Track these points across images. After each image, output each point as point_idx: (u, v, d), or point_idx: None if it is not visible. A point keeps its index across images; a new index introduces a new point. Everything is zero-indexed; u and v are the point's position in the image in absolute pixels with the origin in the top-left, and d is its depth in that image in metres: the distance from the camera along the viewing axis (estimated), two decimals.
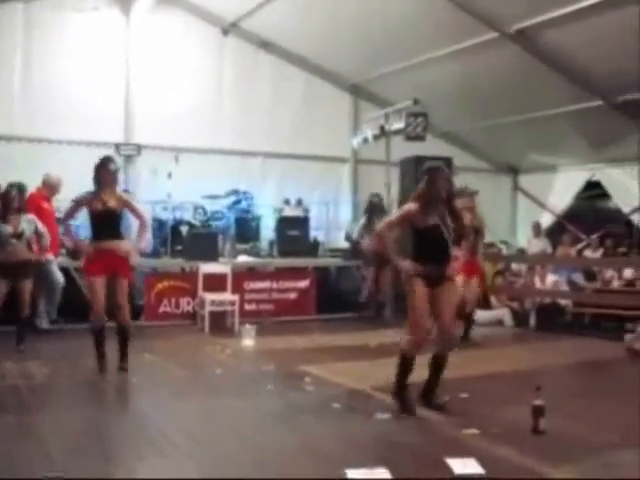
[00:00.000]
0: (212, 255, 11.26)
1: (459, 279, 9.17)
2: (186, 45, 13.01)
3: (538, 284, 12.01)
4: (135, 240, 7.61)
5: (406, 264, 5.84)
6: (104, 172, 7.14)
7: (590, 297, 11.64)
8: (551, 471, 4.52)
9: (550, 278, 11.92)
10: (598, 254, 13.30)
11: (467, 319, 9.65)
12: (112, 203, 7.12)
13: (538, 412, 5.28)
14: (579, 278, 12.31)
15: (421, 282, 5.79)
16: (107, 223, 7.15)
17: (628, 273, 12.00)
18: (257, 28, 13.12)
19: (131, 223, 8.44)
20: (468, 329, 9.69)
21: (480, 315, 10.98)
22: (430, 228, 5.79)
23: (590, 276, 12.34)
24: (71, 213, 7.55)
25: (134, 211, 7.44)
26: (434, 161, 6.23)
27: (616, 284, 11.94)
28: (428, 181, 5.87)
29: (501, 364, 8.19)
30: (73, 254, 10.06)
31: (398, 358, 5.94)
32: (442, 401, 6.02)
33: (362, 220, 12.09)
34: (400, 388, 5.93)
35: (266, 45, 13.49)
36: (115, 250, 7.08)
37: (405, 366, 5.90)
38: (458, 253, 6.08)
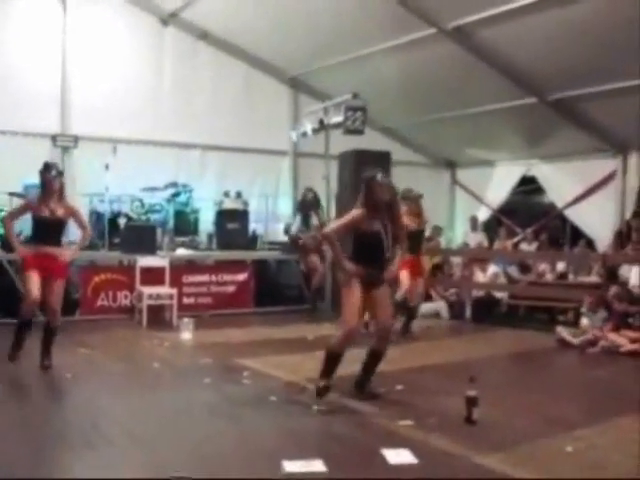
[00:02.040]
0: (150, 248, 11.18)
1: (403, 274, 9.31)
2: (125, 35, 12.84)
3: (479, 276, 12.22)
4: (73, 246, 7.69)
5: (352, 267, 5.95)
6: (47, 179, 7.10)
7: (524, 290, 11.90)
8: (481, 458, 4.64)
9: (491, 269, 12.13)
10: (533, 247, 13.58)
11: (410, 312, 9.76)
12: (60, 212, 7.15)
13: (471, 402, 5.41)
14: (514, 271, 12.56)
15: (358, 284, 5.94)
16: (51, 231, 7.16)
17: (561, 266, 12.31)
18: (197, 19, 13.02)
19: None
20: (409, 322, 9.75)
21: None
22: (373, 234, 5.94)
23: (525, 269, 12.60)
24: (17, 215, 7.52)
25: (80, 222, 7.48)
26: (373, 169, 6.29)
27: (549, 277, 12.22)
28: (369, 189, 6.00)
29: (436, 356, 8.34)
30: (7, 246, 9.88)
31: (324, 354, 6.05)
32: (376, 391, 6.18)
33: (298, 217, 12.09)
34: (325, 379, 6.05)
35: (206, 36, 13.40)
36: (53, 255, 7.09)
37: (332, 362, 6.02)
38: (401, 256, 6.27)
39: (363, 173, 6.23)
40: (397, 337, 9.13)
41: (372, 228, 5.95)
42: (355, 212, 6.06)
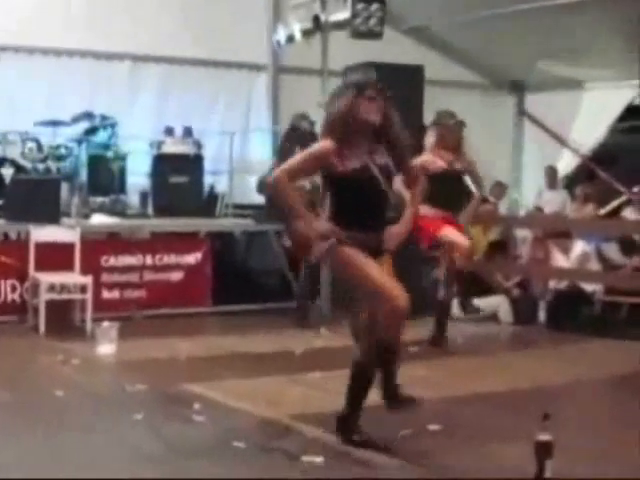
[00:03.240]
0: (51, 214, 11.18)
1: (448, 230, 9.34)
2: None
3: (560, 258, 12.18)
4: None
5: (325, 226, 5.91)
6: None
7: (629, 280, 11.89)
8: None
9: (578, 248, 12.08)
10: None
11: (442, 310, 9.82)
12: None
13: (544, 451, 5.40)
14: (614, 251, 12.54)
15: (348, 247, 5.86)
16: None
17: None
18: None
19: None
20: (443, 323, 9.81)
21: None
22: (357, 173, 5.83)
23: (630, 248, 12.57)
24: None
25: None
26: (360, 70, 6.26)
27: None
28: (345, 104, 5.89)
29: (491, 380, 8.38)
30: None
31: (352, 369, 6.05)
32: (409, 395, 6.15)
33: (278, 155, 12.08)
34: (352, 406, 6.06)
35: None
36: None
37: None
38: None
39: (346, 79, 6.18)
40: (426, 346, 9.26)
41: (352, 166, 5.82)
42: (321, 143, 6.00)
